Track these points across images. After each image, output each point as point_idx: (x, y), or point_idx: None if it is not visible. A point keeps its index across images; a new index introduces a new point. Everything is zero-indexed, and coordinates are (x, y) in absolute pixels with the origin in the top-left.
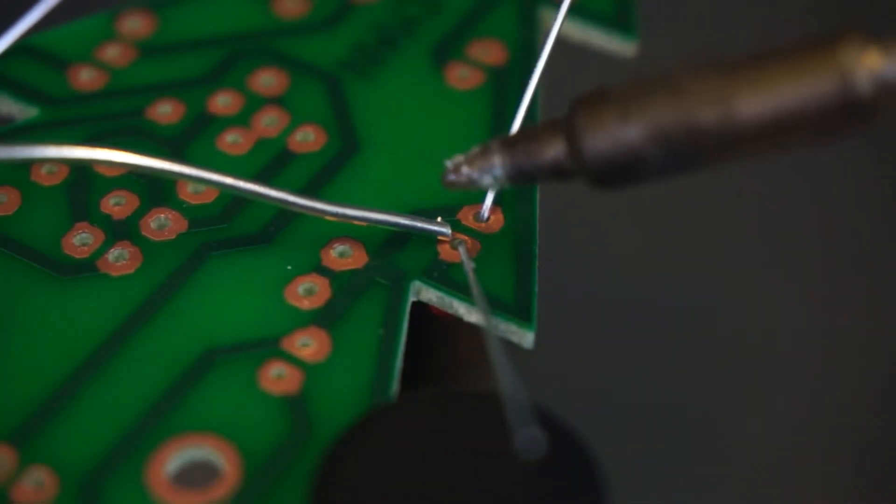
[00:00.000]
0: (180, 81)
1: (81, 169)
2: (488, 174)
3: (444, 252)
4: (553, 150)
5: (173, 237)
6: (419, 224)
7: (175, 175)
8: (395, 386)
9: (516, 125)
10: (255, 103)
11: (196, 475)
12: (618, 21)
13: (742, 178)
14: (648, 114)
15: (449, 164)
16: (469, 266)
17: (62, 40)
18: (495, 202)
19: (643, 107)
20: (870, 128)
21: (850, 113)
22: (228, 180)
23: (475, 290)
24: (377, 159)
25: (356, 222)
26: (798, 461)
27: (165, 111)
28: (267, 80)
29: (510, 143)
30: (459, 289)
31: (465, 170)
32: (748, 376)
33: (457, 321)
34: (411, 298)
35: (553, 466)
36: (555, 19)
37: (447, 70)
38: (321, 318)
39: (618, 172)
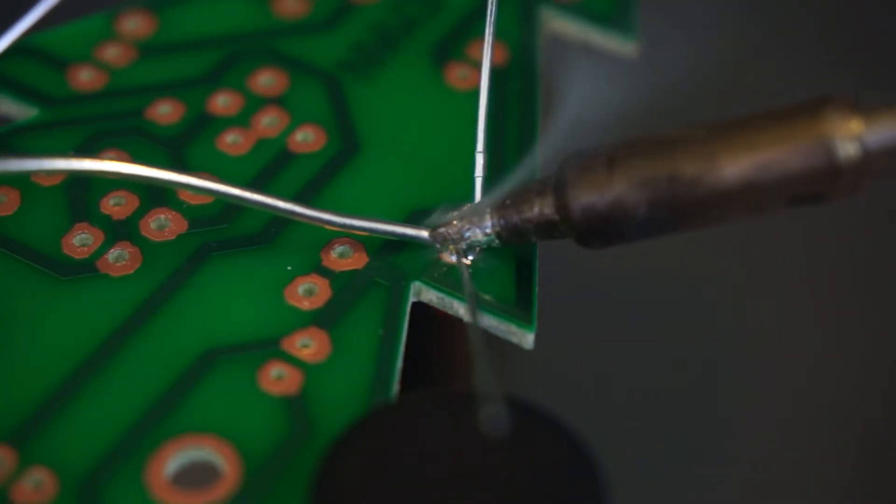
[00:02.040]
0: (180, 81)
1: None
2: (478, 230)
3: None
4: (541, 204)
5: (173, 237)
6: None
7: (181, 186)
8: (395, 386)
9: (481, 125)
10: (255, 103)
11: (196, 475)
12: (618, 21)
13: None
14: (634, 164)
15: (440, 217)
16: (463, 265)
17: (62, 40)
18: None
19: (630, 158)
20: (853, 196)
21: (832, 177)
22: (234, 191)
23: (465, 283)
24: (377, 159)
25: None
26: (798, 461)
27: (165, 111)
28: (267, 80)
29: (502, 202)
30: (459, 289)
31: (456, 223)
32: (748, 376)
33: (457, 321)
34: (411, 299)
35: (553, 467)
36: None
37: (447, 70)
38: (321, 318)
39: (602, 225)
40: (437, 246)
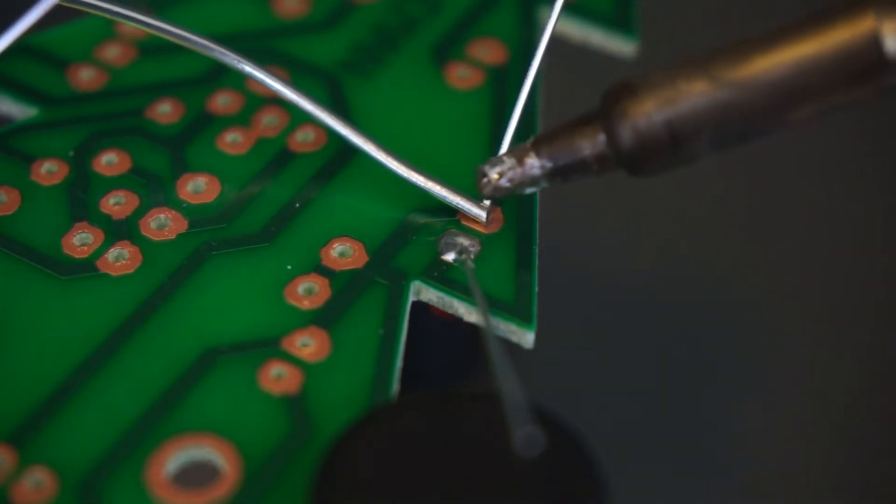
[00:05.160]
0: (180, 81)
1: (81, 169)
2: (527, 176)
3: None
4: (591, 140)
5: (173, 237)
6: (458, 200)
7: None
8: (395, 386)
9: (512, 125)
10: (254, 103)
11: (196, 475)
12: (618, 21)
13: (746, 177)
14: (676, 83)
15: (488, 172)
16: (469, 267)
17: (62, 40)
18: (495, 202)
19: (670, 77)
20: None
21: (880, 71)
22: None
23: (475, 290)
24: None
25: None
26: (800, 463)
27: (165, 111)
28: None
29: (543, 141)
30: (459, 289)
31: (508, 174)
32: (750, 376)
33: (457, 321)
34: (411, 298)
35: (553, 466)
36: (549, 17)
37: (447, 70)
38: (321, 317)
39: (656, 151)
40: (478, 186)
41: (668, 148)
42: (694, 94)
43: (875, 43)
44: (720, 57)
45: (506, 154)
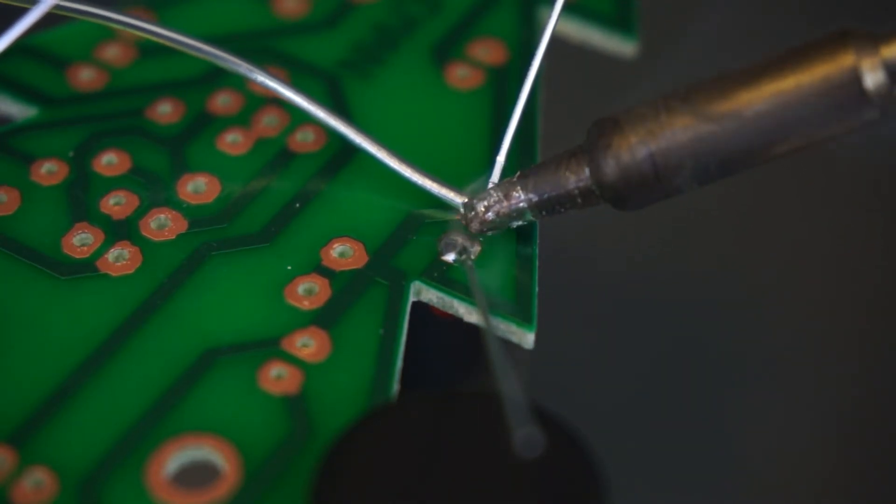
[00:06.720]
0: (180, 81)
1: (81, 169)
2: (513, 209)
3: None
4: (576, 173)
5: (173, 237)
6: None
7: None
8: (395, 386)
9: (512, 125)
10: (254, 103)
11: (196, 475)
12: (618, 21)
13: (746, 176)
14: (659, 119)
15: (476, 206)
16: (469, 267)
17: (62, 40)
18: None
19: (655, 113)
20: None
21: (860, 106)
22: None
23: (475, 290)
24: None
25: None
26: (800, 463)
27: (165, 111)
28: None
29: (529, 175)
30: (459, 289)
31: (495, 208)
32: (750, 377)
33: (457, 321)
34: (411, 298)
35: (553, 466)
36: (549, 17)
37: (447, 70)
38: (321, 318)
39: (639, 184)
40: (465, 220)
41: (652, 181)
42: (677, 128)
43: (855, 78)
44: (703, 90)
45: (493, 188)
